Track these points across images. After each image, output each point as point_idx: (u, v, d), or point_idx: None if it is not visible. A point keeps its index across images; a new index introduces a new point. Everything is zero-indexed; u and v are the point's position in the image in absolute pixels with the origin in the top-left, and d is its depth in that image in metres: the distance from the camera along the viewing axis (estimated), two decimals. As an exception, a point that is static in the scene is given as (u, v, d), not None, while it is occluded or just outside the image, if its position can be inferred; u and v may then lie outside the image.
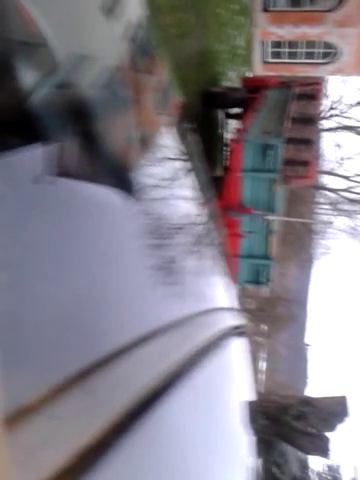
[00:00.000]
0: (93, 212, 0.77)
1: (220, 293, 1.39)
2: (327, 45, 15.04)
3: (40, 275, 0.55)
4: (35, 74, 0.69)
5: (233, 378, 1.31)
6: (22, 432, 0.43)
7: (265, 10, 14.50)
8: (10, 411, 0.42)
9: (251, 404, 1.59)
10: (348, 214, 22.81)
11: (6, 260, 0.49)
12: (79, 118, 0.81)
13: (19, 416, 0.43)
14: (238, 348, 1.44)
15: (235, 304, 1.61)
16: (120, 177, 0.94)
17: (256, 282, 9.26)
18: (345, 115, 21.55)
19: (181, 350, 0.87)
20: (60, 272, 0.59)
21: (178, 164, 1.22)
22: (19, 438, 0.43)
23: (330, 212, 23.56)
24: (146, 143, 1.05)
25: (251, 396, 1.72)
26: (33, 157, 0.65)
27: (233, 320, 1.42)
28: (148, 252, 0.94)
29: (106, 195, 0.84)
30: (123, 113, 0.97)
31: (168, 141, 1.17)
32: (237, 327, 1.42)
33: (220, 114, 11.51)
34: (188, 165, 1.29)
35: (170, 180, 1.14)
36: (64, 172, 0.72)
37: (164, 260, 1.02)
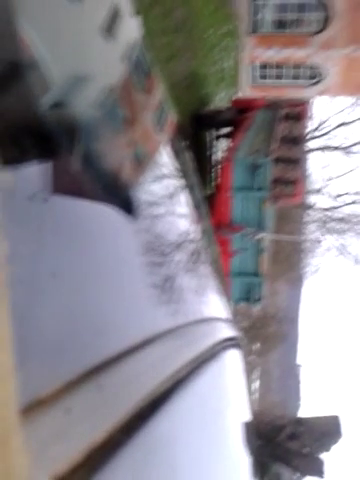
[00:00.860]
0: (91, 229, 0.78)
1: (215, 307, 1.39)
2: (313, 67, 15.40)
3: (47, 283, 0.55)
4: (27, 94, 0.70)
5: (229, 390, 1.30)
6: (37, 424, 0.44)
7: (252, 33, 14.85)
8: (26, 403, 0.42)
9: (247, 424, 1.58)
10: (336, 232, 23.05)
11: (18, 253, 0.50)
12: (77, 137, 0.82)
13: (34, 408, 0.43)
14: (234, 359, 1.44)
15: (230, 318, 1.61)
16: (118, 195, 0.95)
17: (248, 300, 9.27)
18: (331, 135, 21.97)
19: (180, 357, 0.87)
20: (69, 284, 0.60)
21: (174, 181, 1.24)
22: (34, 430, 0.43)
23: (319, 231, 23.78)
24: (144, 161, 1.06)
25: (247, 414, 1.71)
26: (28, 175, 0.66)
27: (228, 331, 1.42)
28: (146, 268, 0.95)
29: (104, 213, 0.85)
30: (121, 132, 0.99)
31: (165, 159, 1.19)
32: (232, 338, 1.42)
33: (208, 135, 11.67)
34: (183, 182, 1.31)
35: (167, 197, 1.15)
36: (60, 190, 0.73)
37: (161, 277, 1.03)
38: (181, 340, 0.96)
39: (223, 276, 1.82)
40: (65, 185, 0.78)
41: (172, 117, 1.32)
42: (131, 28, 1.08)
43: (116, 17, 1.00)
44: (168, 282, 1.02)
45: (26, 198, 0.63)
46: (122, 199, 0.94)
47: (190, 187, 1.34)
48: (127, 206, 0.95)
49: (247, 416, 1.71)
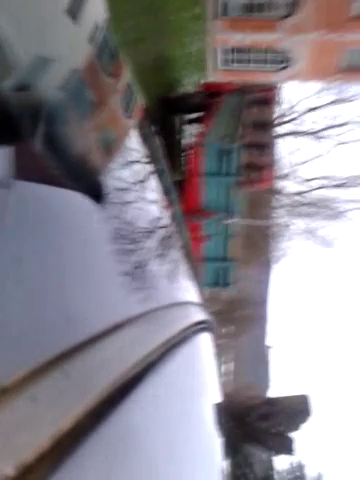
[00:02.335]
0: (57, 215, 0.76)
1: (187, 292, 1.40)
2: (282, 51, 15.44)
3: (14, 271, 0.54)
4: None
5: (201, 372, 1.32)
6: (3, 413, 0.43)
7: (220, 16, 14.74)
8: None
9: (218, 405, 1.61)
10: (305, 216, 23.44)
11: None
12: (40, 120, 0.80)
13: None
14: (205, 342, 1.45)
15: (201, 302, 1.62)
16: (86, 180, 0.93)
17: (219, 284, 9.36)
18: (300, 120, 22.17)
19: (151, 342, 0.88)
20: (34, 270, 0.59)
21: (144, 167, 1.23)
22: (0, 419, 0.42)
23: (288, 215, 24.12)
24: (112, 146, 1.04)
25: (218, 396, 1.74)
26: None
27: (199, 315, 1.43)
28: (117, 254, 0.94)
29: (71, 199, 0.83)
30: (88, 116, 0.97)
31: (134, 144, 1.18)
32: (203, 322, 1.44)
33: (178, 120, 11.60)
34: (153, 168, 1.30)
35: (136, 183, 1.14)
36: (24, 175, 0.71)
37: (132, 263, 1.02)
38: (152, 324, 0.96)
39: (194, 261, 1.83)
40: (29, 170, 0.76)
41: (140, 101, 1.30)
42: (97, 10, 1.05)
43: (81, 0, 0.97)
44: (139, 268, 1.02)
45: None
46: (90, 185, 0.93)
47: (159, 172, 1.33)
48: (95, 192, 0.93)
49: (219, 398, 1.74)
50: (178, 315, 1.18)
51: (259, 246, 24.10)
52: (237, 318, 25.65)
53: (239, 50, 15.72)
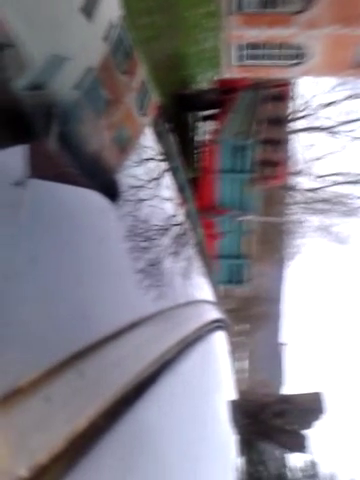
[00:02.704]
0: (72, 214, 0.76)
1: (201, 290, 1.40)
2: (297, 47, 15.29)
3: (29, 269, 0.54)
4: (2, 74, 0.68)
5: (216, 371, 1.31)
6: (16, 414, 0.43)
7: (235, 12, 14.64)
8: (4, 392, 0.42)
9: (233, 403, 1.60)
10: (320, 213, 23.24)
11: None
12: (55, 119, 0.80)
13: (13, 397, 0.43)
14: (220, 340, 1.45)
15: (216, 300, 1.62)
16: (101, 178, 0.93)
17: (234, 282, 9.33)
18: (315, 116, 21.95)
19: (166, 340, 0.87)
20: (49, 269, 0.59)
21: (158, 164, 1.23)
22: (13, 420, 0.42)
23: (302, 211, 23.94)
24: (127, 144, 1.05)
25: (233, 394, 1.73)
26: (5, 158, 0.64)
27: (214, 314, 1.43)
28: (132, 252, 0.94)
29: (86, 197, 0.83)
30: (103, 114, 0.97)
31: (148, 141, 1.18)
32: (218, 320, 1.43)
33: (191, 116, 11.56)
34: (167, 165, 1.30)
35: (151, 181, 1.14)
36: (39, 174, 0.72)
37: (147, 261, 1.02)
38: (167, 323, 0.96)
39: (208, 258, 1.82)
40: (44, 169, 0.76)
41: (155, 99, 1.30)
42: (111, 8, 1.05)
43: (96, -4, 0.97)
44: (154, 266, 1.02)
45: (3, 182, 0.62)
46: (105, 183, 0.93)
47: (174, 170, 1.33)
48: (110, 190, 0.93)
49: (233, 395, 1.73)
50: (193, 313, 1.17)
51: (274, 243, 23.98)
52: (251, 316, 25.56)
53: (254, 46, 15.60)
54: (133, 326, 0.73)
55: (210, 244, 8.77)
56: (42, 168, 0.74)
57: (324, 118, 21.77)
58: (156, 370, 0.75)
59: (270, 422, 2.23)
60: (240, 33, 14.91)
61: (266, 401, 2.38)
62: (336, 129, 22.02)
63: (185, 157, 10.35)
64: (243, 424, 2.05)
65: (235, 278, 9.10)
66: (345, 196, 22.41)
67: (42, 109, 0.78)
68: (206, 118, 11.55)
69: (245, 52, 15.82)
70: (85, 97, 0.93)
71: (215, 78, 14.28)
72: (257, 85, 11.39)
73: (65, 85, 0.88)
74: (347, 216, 22.40)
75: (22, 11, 0.72)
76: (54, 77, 0.83)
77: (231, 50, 15.54)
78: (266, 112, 11.23)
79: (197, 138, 11.31)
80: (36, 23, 0.78)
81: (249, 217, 8.20)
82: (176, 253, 1.23)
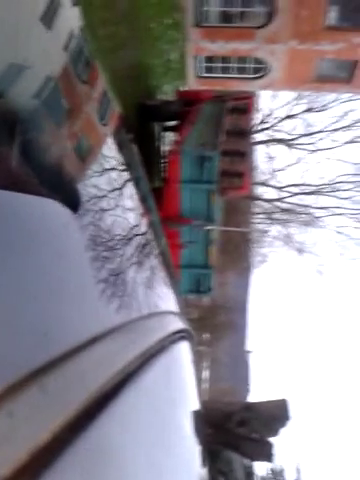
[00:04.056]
0: (30, 225, 0.75)
1: (165, 300, 1.39)
2: (258, 60, 15.66)
3: None
4: None
5: (180, 382, 1.30)
6: None
7: (197, 26, 14.88)
8: None
9: (196, 414, 1.60)
10: (282, 223, 23.76)
11: None
12: (14, 128, 0.78)
13: None
14: (184, 351, 1.44)
15: (180, 310, 1.61)
16: (61, 188, 0.92)
17: (198, 291, 9.38)
18: (276, 128, 22.52)
19: (128, 353, 0.86)
20: (6, 283, 0.57)
21: (120, 175, 1.22)
22: None
23: (265, 221, 24.43)
24: (88, 153, 1.04)
25: (197, 404, 1.73)
26: None
27: (178, 324, 1.42)
28: (93, 263, 0.93)
29: (45, 207, 0.82)
30: (63, 123, 0.96)
31: (110, 152, 1.17)
32: (182, 331, 1.43)
33: (157, 127, 11.63)
34: (129, 175, 1.30)
35: (112, 191, 1.14)
36: (0, 183, 0.70)
37: (109, 272, 1.01)
38: (130, 335, 0.95)
39: (172, 268, 1.82)
40: (2, 177, 0.75)
41: (116, 109, 1.30)
42: (71, 18, 1.05)
43: (56, 6, 0.97)
44: (116, 277, 1.01)
45: None
46: (66, 193, 0.92)
47: (136, 180, 1.33)
48: (71, 200, 0.92)
49: (197, 406, 1.73)
50: (156, 325, 1.17)
51: (238, 252, 24.30)
52: (215, 325, 25.73)
53: (216, 59, 15.89)
54: (95, 340, 0.72)
55: (175, 253, 8.80)
56: (1, 177, 0.72)
57: (286, 130, 22.38)
58: (118, 383, 0.74)
59: (235, 431, 2.23)
60: (203, 46, 15.15)
61: (230, 410, 2.37)
62: (296, 141, 22.65)
63: (151, 167, 10.44)
64: (208, 434, 2.04)
65: (198, 288, 9.15)
66: (305, 206, 23.03)
67: (1, 119, 0.77)
68: (169, 129, 11.65)
69: (208, 65, 16.08)
70: (45, 106, 0.92)
71: (179, 89, 14.43)
72: (220, 97, 11.58)
73: (24, 94, 0.86)
74: (307, 226, 23.02)
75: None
76: (13, 86, 0.82)
77: (194, 62, 15.76)
78: (230, 124, 11.43)
79: (163, 148, 11.38)
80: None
81: (212, 227, 8.29)
82: (139, 263, 1.23)
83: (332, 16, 14.27)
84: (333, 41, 14.39)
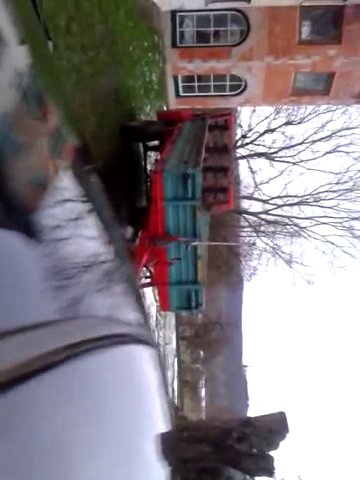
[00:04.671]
0: None
1: (122, 312, 1.35)
2: (235, 78, 15.94)
3: None
4: None
5: (118, 382, 1.22)
6: None
7: (174, 46, 15.15)
8: None
9: (164, 435, 1.54)
10: (268, 235, 23.90)
11: None
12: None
13: None
14: (137, 355, 1.36)
15: (141, 323, 1.55)
16: (18, 219, 0.94)
17: (187, 307, 9.36)
18: (257, 142, 22.80)
19: (60, 341, 0.84)
20: None
21: (79, 205, 1.24)
22: None
23: (252, 234, 24.55)
24: (43, 186, 1.06)
25: (163, 421, 1.65)
26: None
27: (131, 329, 1.35)
28: (50, 293, 0.94)
29: (3, 237, 0.83)
30: (17, 157, 0.98)
31: (66, 183, 1.19)
32: (137, 337, 1.35)
33: (141, 147, 11.75)
34: (89, 206, 1.31)
35: (72, 221, 1.16)
36: None
37: (67, 299, 1.02)
38: (68, 327, 0.92)
39: (140, 294, 1.81)
40: None
41: (71, 142, 1.33)
42: (18, 56, 1.08)
43: (1, 45, 1.00)
44: (75, 304, 1.01)
45: None
46: (22, 223, 0.93)
47: (97, 210, 1.35)
48: (27, 230, 0.94)
49: (163, 425, 1.65)
50: (105, 324, 1.12)
51: (228, 267, 24.33)
52: (210, 341, 25.56)
53: (197, 77, 16.14)
54: (25, 328, 0.72)
55: (162, 271, 8.80)
56: None
57: (265, 145, 22.67)
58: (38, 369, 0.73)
59: (235, 447, 2.21)
60: (181, 66, 15.40)
61: (229, 426, 2.35)
62: (277, 154, 22.94)
63: (137, 187, 10.41)
64: (207, 453, 2.02)
65: (188, 304, 9.13)
66: (291, 217, 23.22)
67: None
68: (153, 149, 11.76)
69: (187, 84, 16.32)
70: (0, 141, 0.94)
71: (160, 110, 14.61)
72: (200, 115, 11.74)
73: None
74: (294, 236, 23.18)
75: None
76: None
77: (173, 82, 15.99)
78: (212, 141, 11.57)
79: (149, 167, 11.49)
80: None
81: (198, 243, 8.31)
82: (102, 291, 1.24)
83: (305, 30, 14.63)
84: (308, 55, 14.72)
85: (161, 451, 1.40)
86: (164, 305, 9.34)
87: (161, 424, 1.55)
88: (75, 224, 1.15)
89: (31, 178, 1.05)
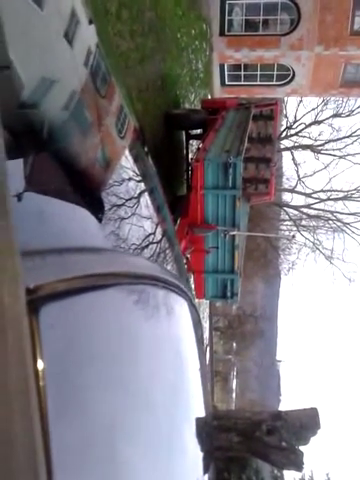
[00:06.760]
0: (60, 228, 0.80)
1: (167, 274, 1.33)
2: (282, 67, 15.61)
3: None
4: None
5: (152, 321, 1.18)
6: None
7: (222, 34, 14.96)
8: None
9: (199, 421, 1.49)
10: (310, 229, 23.43)
11: None
12: (47, 137, 0.85)
13: None
14: (173, 303, 1.33)
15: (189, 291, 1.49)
16: (87, 197, 0.98)
17: (223, 297, 9.33)
18: (303, 134, 22.32)
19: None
20: None
21: (137, 185, 1.28)
22: None
23: (292, 228, 24.13)
24: (108, 164, 1.09)
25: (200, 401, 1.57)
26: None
27: (172, 280, 1.31)
28: (107, 235, 0.97)
29: (73, 213, 0.88)
30: (87, 135, 1.02)
31: (127, 163, 1.23)
32: (177, 287, 1.31)
33: (184, 135, 11.72)
34: (145, 186, 1.35)
35: (130, 200, 1.19)
36: (36, 188, 0.76)
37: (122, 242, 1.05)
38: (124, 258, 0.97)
39: (186, 276, 1.83)
40: (38, 183, 0.81)
41: (133, 122, 1.36)
42: (89, 35, 1.11)
43: (76, 24, 1.04)
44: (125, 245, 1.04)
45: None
46: (90, 201, 0.97)
47: (151, 190, 1.38)
48: (95, 208, 0.98)
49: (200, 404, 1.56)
50: (153, 267, 1.10)
51: (266, 259, 24.07)
52: (244, 333, 25.41)
53: (244, 66, 15.92)
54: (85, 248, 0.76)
55: (199, 259, 8.80)
56: (35, 182, 0.78)
57: (311, 137, 22.15)
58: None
59: (264, 440, 2.21)
60: (228, 54, 15.22)
61: (259, 418, 2.35)
62: (323, 147, 22.37)
63: (178, 174, 10.40)
64: (236, 442, 2.03)
65: (224, 293, 9.11)
66: (334, 212, 22.67)
67: (34, 127, 0.82)
68: (196, 137, 11.72)
69: (233, 73, 16.12)
70: (72, 118, 0.98)
71: (204, 98, 14.51)
72: (245, 105, 11.58)
73: (54, 106, 0.93)
74: (336, 232, 22.64)
75: (15, 34, 0.76)
76: (44, 98, 0.88)
77: (219, 71, 15.83)
78: (256, 131, 11.41)
79: (191, 156, 11.46)
80: (27, 46, 0.83)
81: (236, 232, 8.26)
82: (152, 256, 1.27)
83: (358, 21, 14.12)
84: (359, 46, 14.22)
85: (198, 436, 1.39)
86: (199, 293, 9.34)
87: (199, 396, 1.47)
88: (132, 203, 1.18)
89: (98, 156, 1.09)
